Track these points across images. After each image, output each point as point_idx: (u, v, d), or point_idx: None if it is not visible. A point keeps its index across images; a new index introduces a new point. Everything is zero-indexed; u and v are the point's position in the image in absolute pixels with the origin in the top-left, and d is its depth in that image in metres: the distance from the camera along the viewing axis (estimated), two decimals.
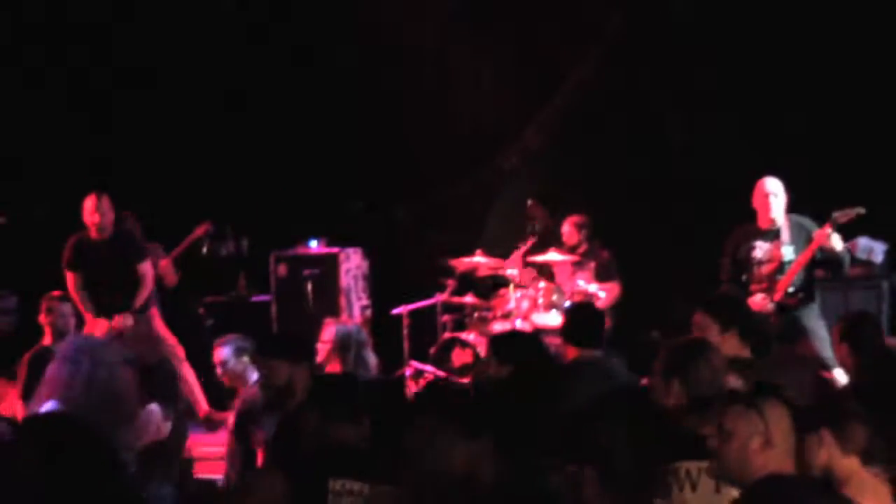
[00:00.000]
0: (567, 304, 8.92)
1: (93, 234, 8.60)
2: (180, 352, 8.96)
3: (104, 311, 8.54)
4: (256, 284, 10.52)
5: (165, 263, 9.37)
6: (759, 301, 7.44)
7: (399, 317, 9.27)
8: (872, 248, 9.17)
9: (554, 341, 6.94)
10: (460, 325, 9.49)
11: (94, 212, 8.53)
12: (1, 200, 10.30)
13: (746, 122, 9.66)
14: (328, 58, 10.87)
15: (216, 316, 10.10)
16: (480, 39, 10.47)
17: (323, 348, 6.58)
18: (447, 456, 3.65)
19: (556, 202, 9.84)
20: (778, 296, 7.48)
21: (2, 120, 10.57)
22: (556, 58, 10.41)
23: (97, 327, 8.42)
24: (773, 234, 7.58)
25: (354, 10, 10.48)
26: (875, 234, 9.12)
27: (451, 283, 9.48)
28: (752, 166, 8.01)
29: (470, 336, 9.03)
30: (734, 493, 3.50)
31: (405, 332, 9.18)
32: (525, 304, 9.07)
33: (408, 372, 8.93)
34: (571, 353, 5.62)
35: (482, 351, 8.45)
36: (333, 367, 6.52)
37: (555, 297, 9.05)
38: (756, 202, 7.63)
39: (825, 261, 7.56)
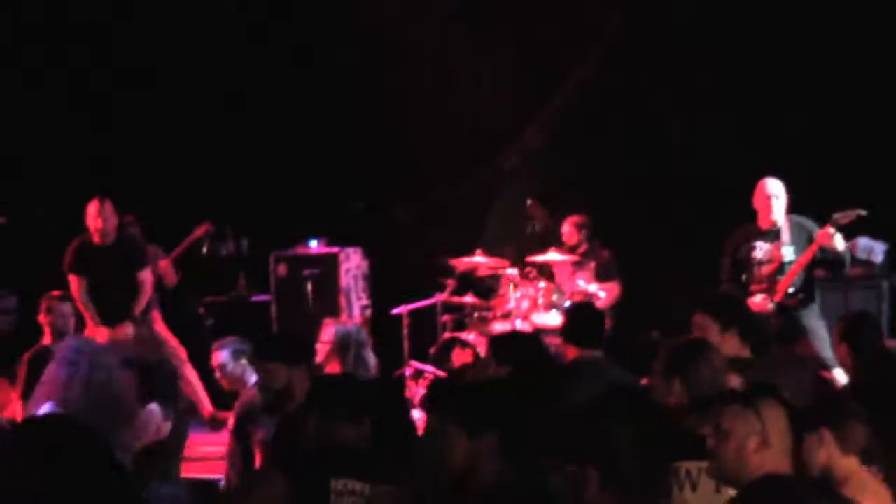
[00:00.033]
0: (567, 304, 8.92)
1: (95, 238, 8.60)
2: (182, 353, 8.97)
3: (104, 315, 8.55)
4: (256, 284, 10.51)
5: (165, 264, 9.38)
6: (759, 301, 7.44)
7: (399, 317, 9.27)
8: (872, 248, 9.17)
9: (554, 341, 6.93)
10: (460, 325, 9.49)
11: (97, 217, 8.53)
12: (1, 200, 10.30)
13: (746, 122, 9.65)
14: (328, 58, 10.86)
15: (216, 316, 10.10)
16: (480, 39, 10.46)
17: (322, 349, 6.58)
18: (448, 455, 3.64)
19: (556, 202, 9.85)
20: (778, 296, 7.48)
21: (2, 120, 10.57)
22: (556, 58, 10.40)
23: (98, 335, 8.41)
24: (773, 235, 7.58)
25: (354, 10, 10.47)
26: (875, 234, 9.12)
27: (451, 283, 9.47)
28: (753, 166, 8.01)
29: (470, 336, 9.03)
30: (734, 493, 3.49)
31: (405, 332, 9.18)
32: (525, 304, 9.07)
33: (408, 372, 8.93)
34: (571, 353, 5.62)
35: (482, 351, 8.44)
36: (333, 368, 6.51)
37: (555, 297, 9.05)
38: (757, 203, 7.63)
39: (826, 261, 7.55)
